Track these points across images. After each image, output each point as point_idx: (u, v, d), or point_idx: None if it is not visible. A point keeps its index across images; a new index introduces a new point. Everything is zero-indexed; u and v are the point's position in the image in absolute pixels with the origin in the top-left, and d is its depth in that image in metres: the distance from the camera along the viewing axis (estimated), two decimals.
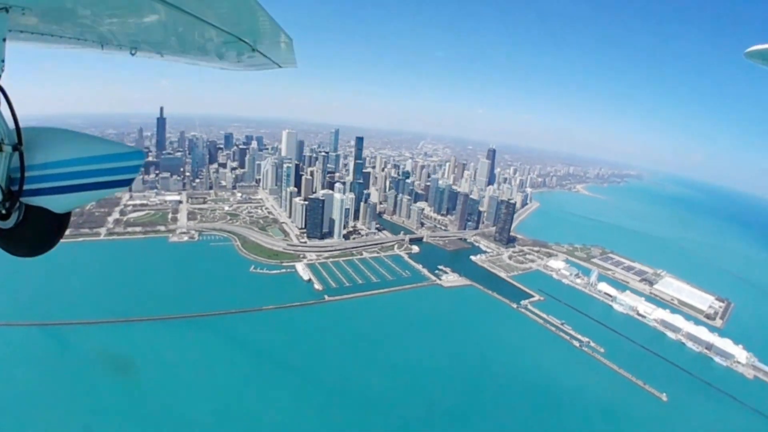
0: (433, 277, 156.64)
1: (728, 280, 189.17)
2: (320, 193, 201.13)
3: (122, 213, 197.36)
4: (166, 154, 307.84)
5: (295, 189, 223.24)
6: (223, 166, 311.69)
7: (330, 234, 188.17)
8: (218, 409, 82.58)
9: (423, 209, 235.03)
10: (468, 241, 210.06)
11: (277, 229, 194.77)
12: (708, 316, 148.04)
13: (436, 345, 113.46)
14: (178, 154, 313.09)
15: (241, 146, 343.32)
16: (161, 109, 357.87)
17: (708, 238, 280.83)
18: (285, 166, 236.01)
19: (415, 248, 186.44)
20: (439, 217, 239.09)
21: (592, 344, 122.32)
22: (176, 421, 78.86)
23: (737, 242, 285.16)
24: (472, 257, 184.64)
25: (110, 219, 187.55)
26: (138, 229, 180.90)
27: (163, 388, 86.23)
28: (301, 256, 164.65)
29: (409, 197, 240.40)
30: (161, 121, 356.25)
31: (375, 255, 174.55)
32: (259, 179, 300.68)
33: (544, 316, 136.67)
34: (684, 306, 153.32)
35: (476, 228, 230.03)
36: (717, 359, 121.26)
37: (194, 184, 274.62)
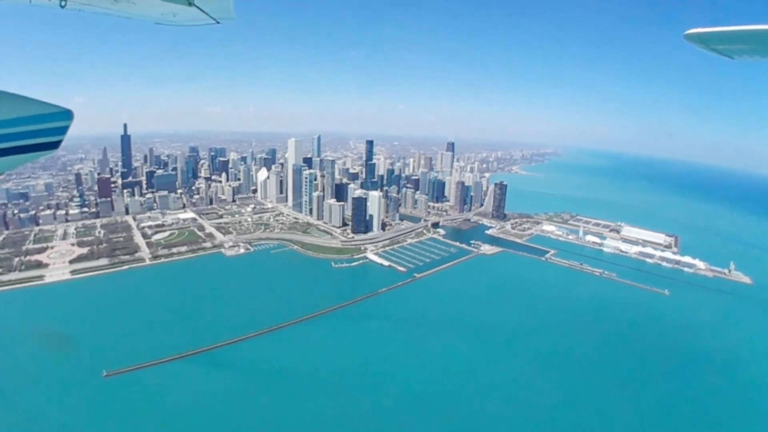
0: (474, 249, 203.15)
1: (667, 221, 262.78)
2: (358, 193, 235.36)
3: (145, 236, 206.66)
4: (159, 173, 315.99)
5: (321, 193, 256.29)
6: (210, 180, 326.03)
7: (369, 228, 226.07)
8: (417, 377, 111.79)
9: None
10: (472, 220, 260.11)
11: (317, 231, 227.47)
12: (666, 246, 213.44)
13: (516, 291, 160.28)
14: (172, 171, 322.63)
15: (221, 159, 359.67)
16: (125, 126, 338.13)
17: (632, 195, 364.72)
18: (306, 172, 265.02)
19: (441, 231, 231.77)
20: (437, 204, 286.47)
21: (606, 273, 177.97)
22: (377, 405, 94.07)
23: (654, 194, 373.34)
24: (486, 231, 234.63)
25: (139, 243, 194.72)
26: (183, 249, 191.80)
27: (343, 381, 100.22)
28: (362, 248, 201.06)
29: (413, 190, 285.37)
30: (125, 139, 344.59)
31: (415, 240, 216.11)
32: (255, 189, 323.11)
33: (566, 262, 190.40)
34: (648, 243, 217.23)
35: (469, 210, 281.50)
36: (685, 270, 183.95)
37: (194, 200, 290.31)
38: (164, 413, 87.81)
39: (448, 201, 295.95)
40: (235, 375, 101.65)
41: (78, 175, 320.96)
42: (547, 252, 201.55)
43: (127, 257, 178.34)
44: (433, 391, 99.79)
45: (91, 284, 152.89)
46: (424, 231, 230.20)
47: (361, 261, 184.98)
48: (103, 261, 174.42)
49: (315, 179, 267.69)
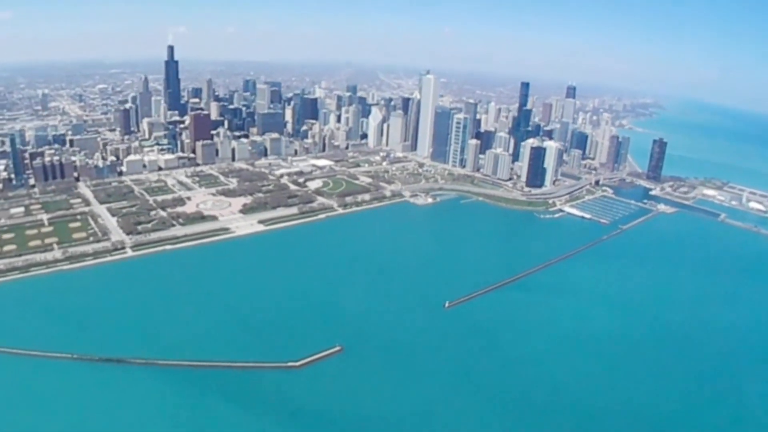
0: (652, 208, 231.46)
1: None
2: (531, 141, 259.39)
3: (296, 184, 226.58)
4: (266, 112, 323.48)
5: (478, 141, 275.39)
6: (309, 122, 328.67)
7: (542, 183, 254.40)
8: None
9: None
10: (627, 181, 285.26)
11: (485, 183, 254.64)
12: None
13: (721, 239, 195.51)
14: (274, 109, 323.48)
15: (309, 97, 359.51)
16: (171, 49, 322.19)
17: None
18: (458, 116, 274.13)
19: (609, 189, 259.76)
20: (583, 161, 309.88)
21: None
22: None
23: None
24: (650, 192, 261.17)
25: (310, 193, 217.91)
26: (366, 197, 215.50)
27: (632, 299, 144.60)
28: (551, 201, 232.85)
29: (566, 144, 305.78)
30: (172, 65, 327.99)
31: (591, 198, 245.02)
32: (365, 134, 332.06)
33: (739, 224, 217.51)
34: None
35: (618, 169, 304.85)
36: None
37: (306, 145, 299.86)
38: (497, 333, 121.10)
39: (590, 157, 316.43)
40: (548, 294, 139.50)
41: (126, 112, 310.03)
42: (718, 215, 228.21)
43: (312, 207, 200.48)
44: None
45: (315, 230, 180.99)
46: (589, 189, 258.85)
47: (560, 214, 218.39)
48: (288, 211, 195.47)
49: (466, 125, 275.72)
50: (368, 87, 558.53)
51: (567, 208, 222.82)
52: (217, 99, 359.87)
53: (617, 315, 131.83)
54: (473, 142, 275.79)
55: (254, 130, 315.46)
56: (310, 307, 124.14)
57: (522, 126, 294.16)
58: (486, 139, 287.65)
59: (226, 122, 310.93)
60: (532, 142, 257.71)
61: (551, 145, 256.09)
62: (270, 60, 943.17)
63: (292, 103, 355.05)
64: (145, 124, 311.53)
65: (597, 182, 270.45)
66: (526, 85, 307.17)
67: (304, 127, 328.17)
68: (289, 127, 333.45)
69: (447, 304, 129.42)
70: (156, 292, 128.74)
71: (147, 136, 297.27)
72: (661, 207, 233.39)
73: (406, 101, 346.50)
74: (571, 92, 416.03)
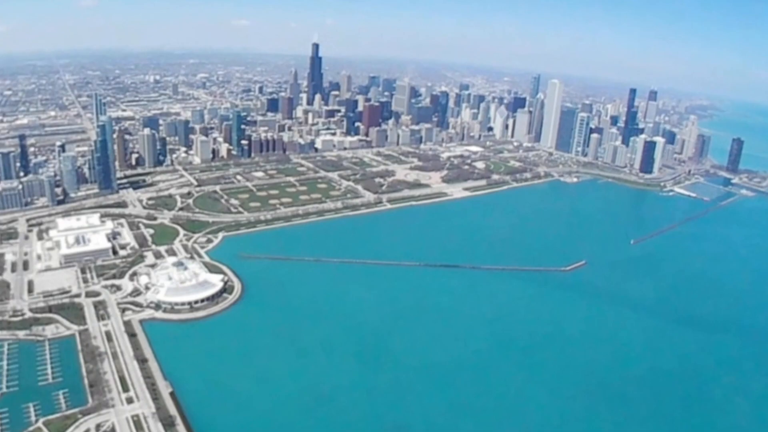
0: (737, 192, 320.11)
1: None
2: (643, 137, 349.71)
3: (468, 164, 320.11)
4: (421, 105, 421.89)
5: (598, 135, 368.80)
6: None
7: (651, 169, 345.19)
8: None
9: None
10: (710, 172, 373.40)
11: (607, 168, 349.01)
12: None
13: None
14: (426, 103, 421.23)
15: (466, 92, 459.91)
16: (315, 47, 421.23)
17: None
18: (582, 115, 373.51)
19: (700, 178, 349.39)
20: (675, 155, 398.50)
21: None
22: None
23: None
24: (732, 181, 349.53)
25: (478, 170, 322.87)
26: (527, 175, 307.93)
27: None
28: (662, 184, 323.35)
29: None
30: (317, 61, 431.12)
31: (689, 183, 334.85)
32: (491, 127, 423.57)
33: None
34: None
35: (701, 162, 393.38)
36: None
37: (450, 135, 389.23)
38: (679, 261, 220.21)
39: (678, 152, 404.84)
40: (695, 241, 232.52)
41: (274, 100, 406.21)
42: None
43: (495, 180, 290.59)
44: None
45: (507, 197, 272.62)
46: (685, 176, 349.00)
47: (672, 193, 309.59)
48: (477, 183, 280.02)
49: (589, 122, 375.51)
50: (437, 83, 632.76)
51: (676, 189, 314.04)
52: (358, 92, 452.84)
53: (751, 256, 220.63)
54: (595, 135, 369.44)
55: (407, 119, 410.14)
56: (552, 238, 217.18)
57: (630, 123, 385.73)
58: (600, 133, 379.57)
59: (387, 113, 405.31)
60: (644, 137, 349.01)
61: (659, 140, 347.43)
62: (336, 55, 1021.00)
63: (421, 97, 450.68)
64: (300, 111, 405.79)
65: (689, 171, 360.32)
66: (633, 91, 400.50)
67: (451, 119, 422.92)
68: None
69: (632, 241, 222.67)
70: (441, 226, 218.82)
71: (305, 121, 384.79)
72: (743, 192, 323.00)
73: (521, 100, 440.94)
74: (653, 96, 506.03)
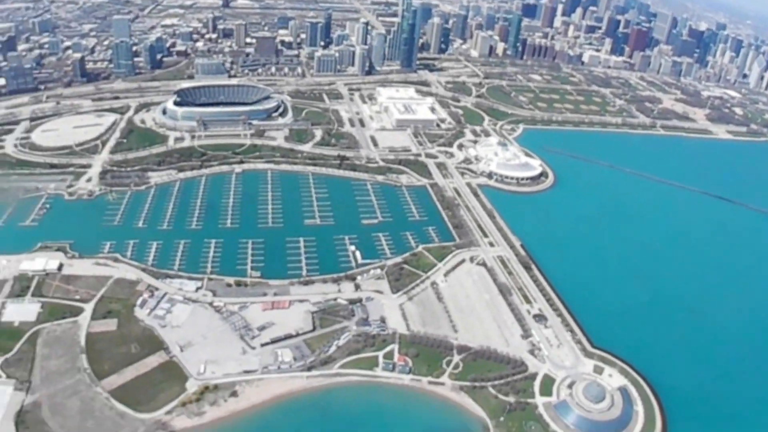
0: None
1: None
2: None
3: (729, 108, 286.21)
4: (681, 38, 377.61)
5: None
6: None
7: None
8: None
9: None
10: None
11: None
12: None
13: None
14: None
15: None
16: None
17: None
18: None
19: None
20: None
21: None
22: None
23: None
24: None
25: None
26: None
27: None
28: None
29: None
30: None
31: None
32: (746, 74, 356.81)
33: None
34: None
35: None
36: None
37: (708, 74, 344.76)
38: None
39: None
40: None
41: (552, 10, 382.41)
42: None
43: (749, 128, 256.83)
44: None
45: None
46: None
47: None
48: (737, 128, 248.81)
49: None
50: (676, 12, 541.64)
51: None
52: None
53: None
54: None
55: (667, 49, 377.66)
56: None
57: None
58: None
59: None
60: None
61: None
62: None
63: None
64: (558, 21, 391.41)
65: None
66: None
67: (709, 58, 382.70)
68: None
69: None
70: (713, 161, 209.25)
71: (563, 33, 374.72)
72: None
73: None
74: None
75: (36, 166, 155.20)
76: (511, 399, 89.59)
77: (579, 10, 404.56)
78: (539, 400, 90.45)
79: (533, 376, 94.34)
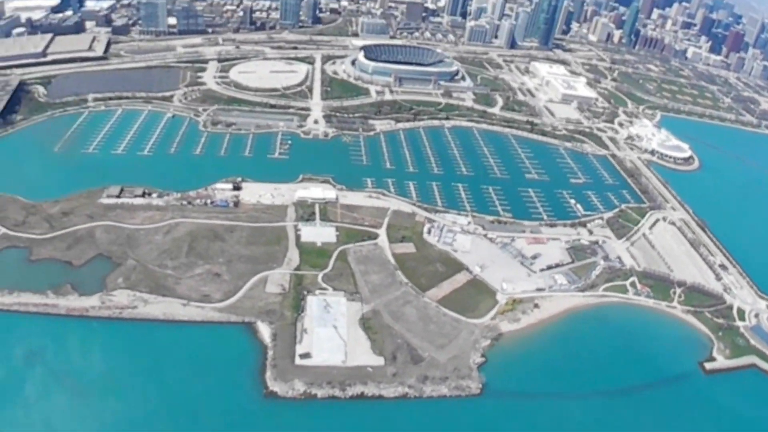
0: None
1: None
2: None
3: None
4: None
5: None
6: None
7: None
8: None
9: None
10: None
11: None
12: None
13: None
14: None
15: None
16: None
17: None
18: None
19: None
20: None
21: None
22: None
23: None
24: None
25: None
26: None
27: None
28: None
29: None
30: None
31: None
32: None
33: None
34: None
35: None
36: None
37: None
38: None
39: None
40: None
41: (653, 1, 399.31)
42: None
43: None
44: None
45: None
46: None
47: None
48: None
49: None
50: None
51: None
52: None
53: None
54: None
55: (756, 52, 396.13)
56: None
57: None
58: None
59: None
60: None
61: None
62: None
63: None
64: (655, 14, 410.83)
65: None
66: None
67: None
68: None
69: None
70: None
71: (660, 26, 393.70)
72: None
73: None
74: None
75: (253, 105, 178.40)
76: (722, 321, 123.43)
77: (676, 6, 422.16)
78: (738, 324, 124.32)
79: (731, 307, 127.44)
